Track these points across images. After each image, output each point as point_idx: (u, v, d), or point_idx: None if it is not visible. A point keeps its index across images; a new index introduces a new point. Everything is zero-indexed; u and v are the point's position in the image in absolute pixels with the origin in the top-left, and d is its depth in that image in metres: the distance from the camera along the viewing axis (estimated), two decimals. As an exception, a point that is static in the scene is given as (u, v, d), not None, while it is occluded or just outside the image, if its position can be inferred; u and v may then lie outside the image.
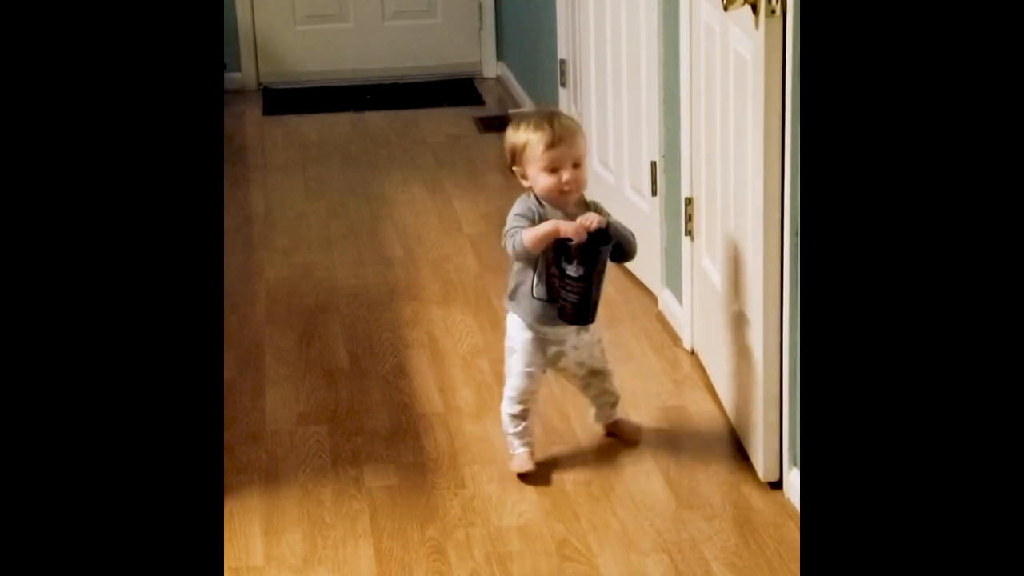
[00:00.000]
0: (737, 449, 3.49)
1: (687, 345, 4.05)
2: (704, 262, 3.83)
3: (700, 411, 3.70)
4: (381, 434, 3.64)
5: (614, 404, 3.56)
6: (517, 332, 3.43)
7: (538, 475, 3.39)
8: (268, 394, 3.87)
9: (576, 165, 3.33)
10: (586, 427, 3.58)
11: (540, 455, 3.46)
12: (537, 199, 3.36)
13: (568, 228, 3.27)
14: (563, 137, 3.31)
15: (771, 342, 3.26)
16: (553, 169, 3.31)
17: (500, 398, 3.71)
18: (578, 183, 3.34)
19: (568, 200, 3.36)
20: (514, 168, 3.41)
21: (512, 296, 3.42)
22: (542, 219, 3.33)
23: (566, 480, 3.39)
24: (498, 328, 4.19)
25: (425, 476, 3.43)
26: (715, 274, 3.72)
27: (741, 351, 3.46)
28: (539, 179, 3.33)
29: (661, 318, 4.25)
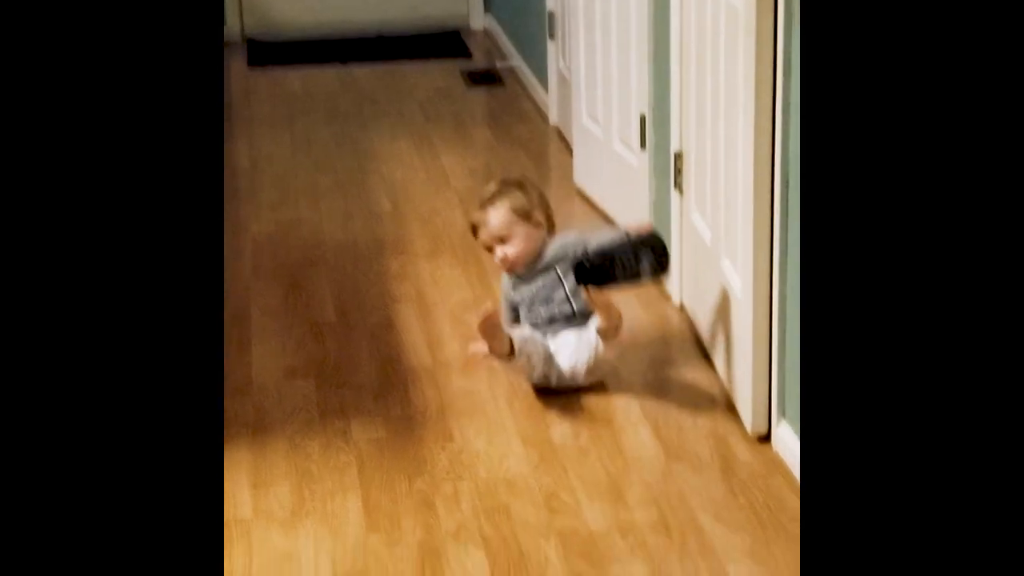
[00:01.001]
0: (725, 403, 3.49)
1: (676, 299, 4.04)
2: (693, 216, 3.82)
3: (689, 365, 3.70)
4: (369, 388, 3.63)
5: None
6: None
7: (526, 428, 3.39)
8: (255, 348, 3.85)
9: (502, 240, 3.55)
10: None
11: (530, 408, 3.46)
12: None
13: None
14: (478, 222, 3.59)
15: (760, 297, 3.26)
16: (489, 249, 3.63)
17: (488, 352, 3.72)
18: (507, 259, 3.57)
19: (514, 271, 3.61)
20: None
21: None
22: (514, 290, 3.62)
23: (554, 433, 3.39)
24: (486, 282, 4.19)
25: (413, 429, 3.43)
26: (705, 229, 3.70)
27: (730, 305, 3.45)
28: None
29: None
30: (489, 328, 3.38)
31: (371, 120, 5.83)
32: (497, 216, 3.54)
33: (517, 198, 3.58)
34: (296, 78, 6.46)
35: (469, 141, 5.54)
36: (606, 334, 3.46)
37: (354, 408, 3.53)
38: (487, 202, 3.59)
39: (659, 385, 3.61)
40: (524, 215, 3.56)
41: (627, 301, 4.06)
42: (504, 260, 3.57)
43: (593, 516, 3.05)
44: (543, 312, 3.58)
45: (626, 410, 3.46)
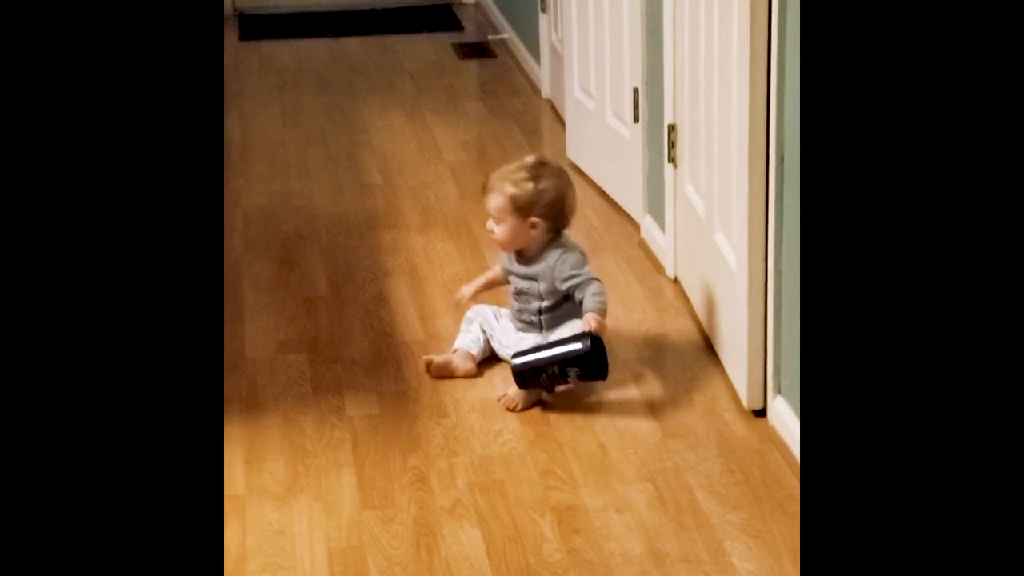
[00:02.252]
0: (721, 377, 3.48)
1: (670, 273, 4.02)
2: (687, 189, 3.80)
3: (683, 339, 3.68)
4: (362, 362, 3.62)
5: None
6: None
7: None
8: (247, 322, 3.84)
9: (495, 219, 3.48)
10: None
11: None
12: None
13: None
14: (488, 189, 3.51)
15: (756, 270, 3.24)
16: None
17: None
18: (493, 232, 3.50)
19: (502, 249, 3.56)
20: None
21: None
22: (511, 264, 3.55)
23: (549, 409, 3.37)
24: (479, 256, 4.17)
25: (407, 405, 3.41)
26: (699, 201, 3.69)
27: (725, 279, 3.44)
28: None
29: (643, 246, 4.23)
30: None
31: (362, 93, 5.80)
32: (497, 198, 3.46)
33: (526, 189, 3.44)
34: (287, 51, 6.42)
35: (461, 114, 5.51)
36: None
37: (348, 383, 3.51)
38: (502, 177, 3.49)
39: (654, 360, 3.60)
40: (520, 209, 3.44)
41: (622, 273, 4.05)
42: (491, 232, 3.52)
43: (589, 493, 3.04)
44: (516, 307, 3.55)
45: (621, 385, 3.44)
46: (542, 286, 3.46)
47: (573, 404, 3.39)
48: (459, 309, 3.67)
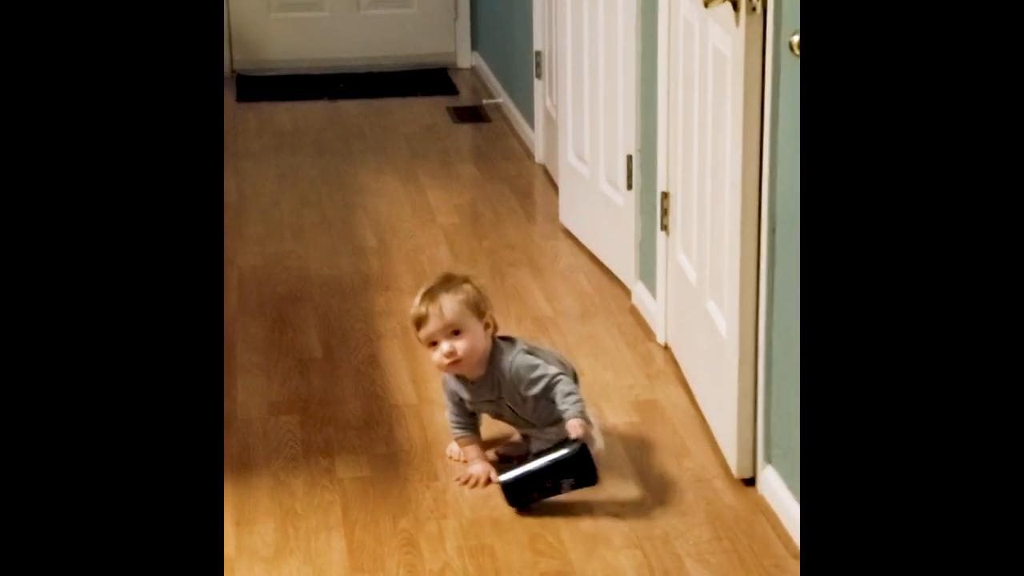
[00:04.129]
0: (710, 445, 3.49)
1: (660, 339, 4.05)
2: (679, 257, 3.83)
3: (673, 406, 3.70)
4: (353, 424, 3.63)
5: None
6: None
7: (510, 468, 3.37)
8: (240, 383, 3.85)
9: (456, 332, 3.25)
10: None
11: (512, 451, 3.45)
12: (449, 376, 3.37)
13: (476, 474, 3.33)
14: (426, 315, 3.26)
15: (746, 339, 3.26)
16: (432, 343, 3.28)
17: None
18: (456, 353, 3.25)
19: (461, 372, 3.31)
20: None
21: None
22: (454, 395, 3.36)
23: (539, 474, 3.38)
24: (472, 320, 4.18)
25: (398, 468, 3.42)
26: (690, 269, 3.72)
27: (715, 347, 3.46)
28: (431, 355, 3.34)
29: (634, 312, 4.25)
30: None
31: (358, 155, 5.84)
32: (451, 305, 3.24)
33: (470, 291, 3.29)
34: (284, 113, 6.47)
35: (455, 177, 5.55)
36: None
37: (339, 445, 3.52)
38: (437, 290, 3.29)
39: (644, 426, 3.61)
40: (478, 310, 3.27)
41: (612, 338, 4.07)
42: (451, 355, 3.24)
43: (578, 558, 3.05)
44: (507, 416, 3.38)
45: (610, 451, 3.45)
46: (509, 403, 3.32)
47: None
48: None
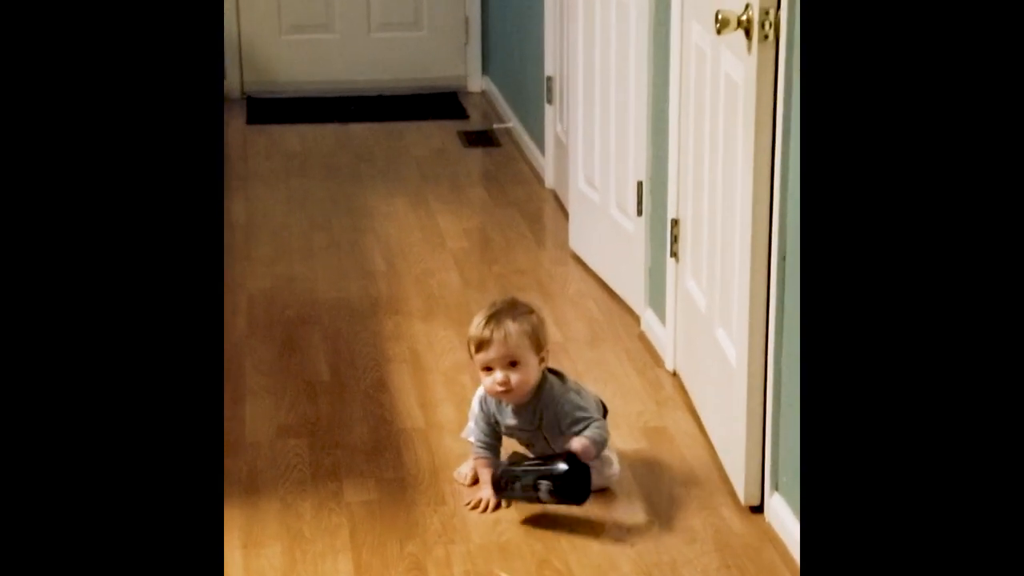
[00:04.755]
0: (718, 472, 3.49)
1: (669, 366, 4.04)
2: (689, 284, 3.83)
3: (682, 433, 3.70)
4: (361, 448, 3.63)
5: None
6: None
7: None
8: (248, 405, 3.85)
9: (514, 363, 3.23)
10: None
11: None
12: (485, 396, 3.36)
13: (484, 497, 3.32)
14: (490, 339, 3.22)
15: (755, 366, 3.26)
16: (487, 368, 3.27)
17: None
18: (508, 383, 3.24)
19: (508, 400, 3.31)
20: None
21: None
22: (490, 416, 3.36)
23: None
24: (480, 344, 4.18)
25: (405, 492, 3.42)
26: (700, 296, 3.72)
27: (724, 374, 3.46)
28: (481, 376, 3.32)
29: (643, 338, 4.25)
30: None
31: (367, 179, 5.85)
32: (516, 335, 3.21)
33: (535, 323, 3.27)
34: (294, 136, 6.48)
35: (465, 202, 5.56)
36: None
37: (347, 469, 3.52)
38: (503, 315, 3.25)
39: (651, 454, 3.61)
40: (537, 343, 3.25)
41: (621, 365, 4.07)
42: (504, 384, 3.23)
43: (585, 584, 3.05)
44: (539, 447, 3.36)
45: (619, 478, 3.45)
46: (546, 435, 3.31)
47: (571, 495, 3.39)
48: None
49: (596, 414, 3.31)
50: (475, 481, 3.40)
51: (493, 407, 3.36)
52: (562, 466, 3.19)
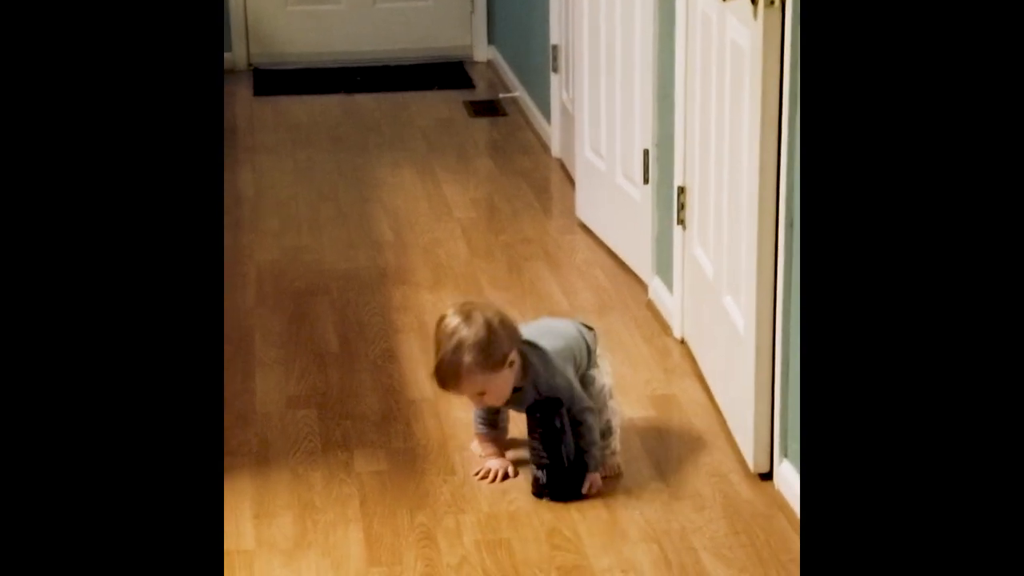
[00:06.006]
0: (727, 439, 3.50)
1: (677, 334, 4.05)
2: (696, 251, 3.83)
3: (690, 401, 3.70)
4: (371, 419, 3.64)
5: (599, 443, 3.31)
6: None
7: (528, 462, 3.37)
8: (258, 377, 3.86)
9: (481, 392, 3.21)
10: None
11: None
12: None
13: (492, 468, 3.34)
14: (448, 388, 3.23)
15: (763, 333, 3.27)
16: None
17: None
18: (482, 402, 3.28)
19: (495, 405, 3.30)
20: None
21: None
22: (490, 415, 3.37)
23: (556, 468, 3.39)
24: (488, 314, 4.19)
25: (415, 462, 3.43)
26: (707, 263, 3.72)
27: (732, 341, 3.46)
28: None
29: (651, 307, 4.25)
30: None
31: (374, 149, 5.85)
32: (468, 382, 3.17)
33: (482, 343, 3.14)
34: (301, 107, 6.48)
35: (471, 172, 5.56)
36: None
37: (356, 439, 3.54)
38: (447, 369, 3.17)
39: (660, 421, 3.61)
40: (495, 361, 3.16)
41: (629, 333, 4.07)
42: (481, 404, 3.31)
43: (595, 552, 3.06)
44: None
45: (627, 446, 3.46)
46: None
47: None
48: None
49: (584, 401, 3.26)
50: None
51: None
52: (560, 467, 3.23)
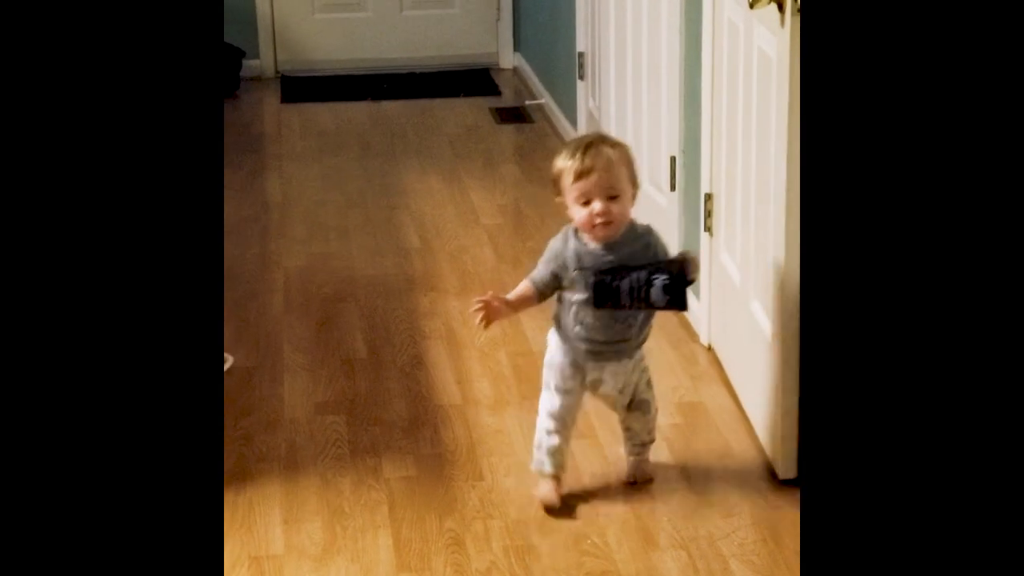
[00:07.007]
0: (754, 446, 3.50)
1: (704, 340, 4.05)
2: (723, 258, 3.84)
3: (717, 407, 3.71)
4: (399, 425, 3.65)
5: (645, 444, 3.36)
6: (556, 352, 3.28)
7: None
8: (287, 382, 3.88)
9: (613, 196, 3.09)
10: (604, 420, 3.58)
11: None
12: (576, 232, 3.18)
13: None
14: (592, 167, 3.08)
15: (791, 341, 3.27)
16: (585, 201, 3.11)
17: (517, 391, 3.75)
18: (610, 215, 3.09)
19: (606, 235, 3.14)
20: (557, 199, 3.21)
21: (558, 325, 3.27)
22: (578, 257, 3.16)
23: (584, 474, 3.40)
24: (516, 321, 4.20)
25: (443, 467, 3.44)
26: (734, 270, 3.72)
27: (760, 347, 3.46)
28: (573, 211, 3.14)
29: (678, 313, 4.25)
30: (492, 314, 3.23)
31: (401, 156, 5.87)
32: (617, 163, 3.08)
33: (629, 154, 3.14)
34: (328, 114, 6.50)
35: (498, 178, 5.57)
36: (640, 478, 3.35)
37: (385, 445, 3.55)
38: (599, 143, 3.12)
39: (687, 427, 3.62)
40: (633, 178, 3.14)
41: (656, 339, 4.08)
42: (605, 214, 3.08)
43: (623, 559, 3.07)
44: (601, 334, 3.20)
45: (655, 453, 3.46)
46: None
47: (607, 469, 3.41)
48: (480, 330, 3.36)
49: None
50: (560, 501, 3.27)
51: (576, 247, 3.17)
52: (670, 271, 3.10)
